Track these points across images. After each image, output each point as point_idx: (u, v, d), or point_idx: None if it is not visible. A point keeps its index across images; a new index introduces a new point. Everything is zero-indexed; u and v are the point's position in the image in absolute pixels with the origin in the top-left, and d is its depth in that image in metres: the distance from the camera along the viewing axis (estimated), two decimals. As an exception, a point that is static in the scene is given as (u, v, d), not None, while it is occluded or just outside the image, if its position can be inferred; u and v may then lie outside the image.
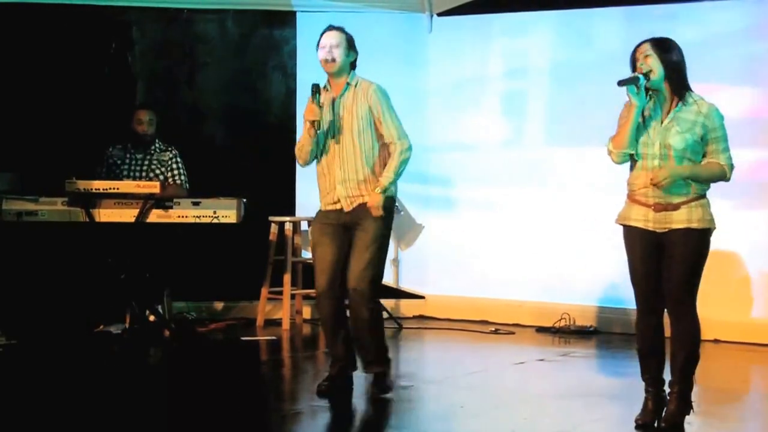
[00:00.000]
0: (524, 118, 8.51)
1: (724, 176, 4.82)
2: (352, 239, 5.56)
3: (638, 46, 4.83)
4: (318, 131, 5.52)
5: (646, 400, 4.93)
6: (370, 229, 5.50)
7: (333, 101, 5.57)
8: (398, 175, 5.54)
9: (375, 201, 5.47)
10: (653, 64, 4.75)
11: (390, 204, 5.57)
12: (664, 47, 4.80)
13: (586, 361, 7.02)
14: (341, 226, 5.57)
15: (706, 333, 7.28)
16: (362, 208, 5.52)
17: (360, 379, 5.85)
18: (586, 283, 8.09)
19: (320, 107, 5.48)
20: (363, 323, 5.56)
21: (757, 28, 7.62)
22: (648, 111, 4.81)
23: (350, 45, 5.59)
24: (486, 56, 8.65)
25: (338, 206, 5.56)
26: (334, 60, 5.51)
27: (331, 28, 5.61)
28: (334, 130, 5.55)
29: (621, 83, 4.73)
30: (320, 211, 5.67)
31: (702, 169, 4.79)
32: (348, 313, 5.64)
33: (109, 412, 5.22)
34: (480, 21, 8.62)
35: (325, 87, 5.61)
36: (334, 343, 5.66)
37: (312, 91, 5.50)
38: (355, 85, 5.58)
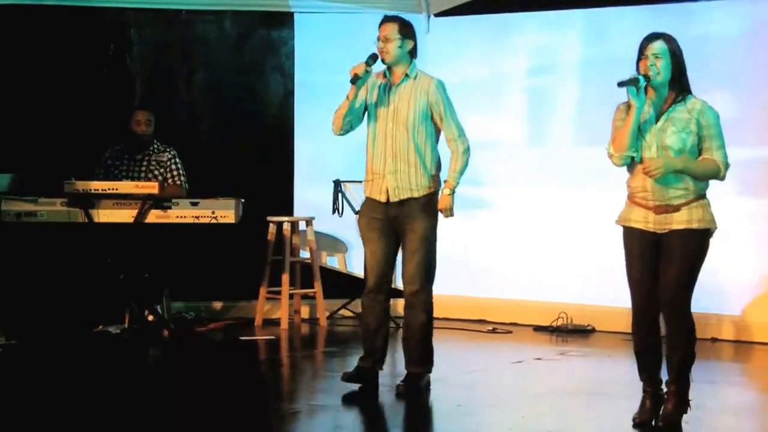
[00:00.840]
0: (522, 117, 8.52)
1: (718, 173, 4.80)
2: (401, 235, 5.62)
3: (649, 42, 4.78)
4: (357, 93, 5.51)
5: (644, 398, 4.94)
6: (418, 229, 5.56)
7: (389, 88, 5.60)
8: (462, 174, 5.62)
9: (446, 203, 5.58)
10: (662, 67, 4.73)
11: (436, 201, 5.64)
12: (674, 48, 4.77)
13: (583, 359, 7.03)
14: (388, 220, 5.61)
15: (704, 332, 7.35)
16: (408, 204, 5.56)
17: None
18: (584, 282, 8.10)
19: (368, 71, 5.49)
20: (417, 326, 5.67)
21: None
22: (644, 114, 4.78)
23: (405, 35, 5.58)
24: (483, 56, 8.66)
25: (384, 197, 5.58)
26: (387, 52, 5.54)
27: (385, 19, 5.63)
28: (389, 119, 5.57)
29: (621, 84, 4.71)
30: (367, 200, 5.71)
31: (696, 164, 4.77)
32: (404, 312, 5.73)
33: (108, 412, 5.23)
34: (477, 21, 8.64)
35: (384, 74, 5.64)
36: (374, 337, 5.71)
37: (369, 56, 5.52)
38: (415, 77, 5.60)
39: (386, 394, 5.73)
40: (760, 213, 7.58)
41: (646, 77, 4.73)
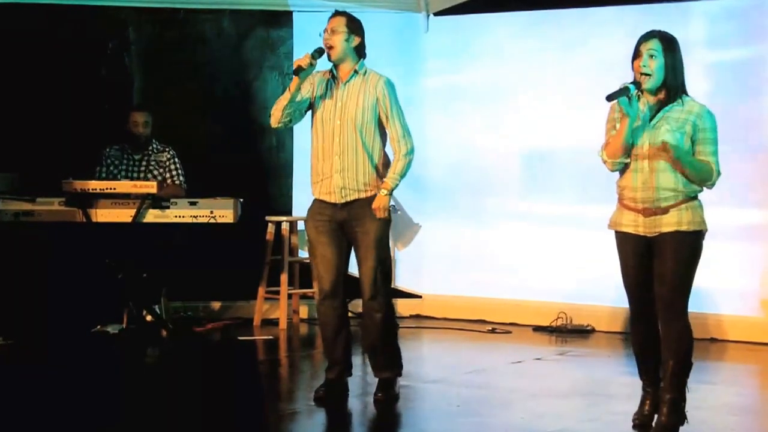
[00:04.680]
0: (519, 118, 8.50)
1: (710, 178, 4.66)
2: (351, 239, 5.47)
3: (645, 40, 4.68)
4: (299, 85, 5.36)
5: (644, 399, 4.89)
6: (371, 230, 5.39)
7: (337, 85, 5.46)
8: (403, 177, 5.44)
9: (381, 203, 5.37)
10: (656, 68, 4.63)
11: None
12: (671, 48, 4.66)
13: (583, 360, 7.02)
14: (337, 223, 5.44)
15: (703, 332, 7.35)
16: (358, 205, 5.40)
17: (356, 380, 5.86)
18: (583, 282, 8.09)
19: (312, 64, 5.34)
20: (379, 331, 5.49)
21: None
22: (638, 116, 4.67)
23: (352, 30, 5.44)
24: (482, 56, 8.65)
25: (332, 198, 5.42)
26: (331, 47, 5.41)
27: (334, 13, 5.51)
28: (336, 116, 5.41)
29: (610, 98, 4.62)
30: (314, 202, 5.53)
31: (695, 159, 4.63)
32: (358, 318, 5.58)
33: (106, 412, 5.22)
34: (476, 20, 8.64)
35: (331, 71, 5.50)
36: (333, 346, 5.55)
37: (315, 49, 5.41)
38: (364, 74, 5.45)
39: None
40: (760, 211, 7.57)
41: (637, 84, 4.64)
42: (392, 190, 5.42)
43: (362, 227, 5.41)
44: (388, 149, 5.58)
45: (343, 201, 5.42)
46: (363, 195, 5.42)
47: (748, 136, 7.53)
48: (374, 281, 5.41)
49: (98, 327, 7.43)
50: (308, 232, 5.57)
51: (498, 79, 8.60)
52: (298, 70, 5.33)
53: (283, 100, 5.44)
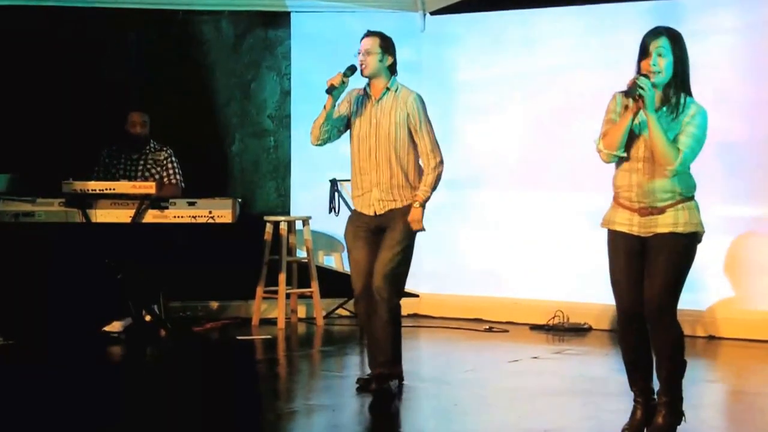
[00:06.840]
0: (517, 117, 8.53)
1: (672, 158, 4.46)
2: (381, 242, 5.68)
3: (653, 38, 4.55)
4: (334, 103, 5.57)
5: (635, 409, 4.73)
6: (397, 229, 5.63)
7: (371, 102, 5.67)
8: (434, 189, 5.70)
9: (416, 216, 5.64)
10: (665, 66, 4.52)
11: None
12: (679, 45, 4.55)
13: (580, 358, 7.05)
14: (373, 230, 5.69)
15: (698, 330, 7.38)
16: (393, 213, 5.66)
17: (353, 380, 5.88)
18: (580, 281, 8.10)
19: (343, 83, 5.55)
20: (380, 322, 5.65)
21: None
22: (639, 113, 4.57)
23: (385, 50, 5.67)
24: (479, 55, 8.67)
25: (372, 210, 5.67)
26: (366, 65, 5.61)
27: (367, 33, 5.71)
28: (372, 134, 5.65)
29: (629, 94, 4.51)
30: (354, 212, 5.81)
31: (663, 133, 4.46)
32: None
33: (105, 412, 5.25)
34: (473, 19, 8.66)
35: (365, 89, 5.71)
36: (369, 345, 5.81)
37: (347, 67, 5.60)
38: (395, 91, 5.68)
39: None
40: (757, 209, 7.60)
41: (647, 77, 4.49)
42: (424, 202, 5.68)
43: (390, 226, 5.67)
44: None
45: (382, 212, 5.68)
46: (399, 205, 5.68)
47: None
48: (382, 269, 5.57)
49: (108, 325, 7.42)
50: (346, 237, 5.83)
51: (495, 78, 8.62)
52: (331, 89, 5.55)
53: (320, 118, 5.66)
